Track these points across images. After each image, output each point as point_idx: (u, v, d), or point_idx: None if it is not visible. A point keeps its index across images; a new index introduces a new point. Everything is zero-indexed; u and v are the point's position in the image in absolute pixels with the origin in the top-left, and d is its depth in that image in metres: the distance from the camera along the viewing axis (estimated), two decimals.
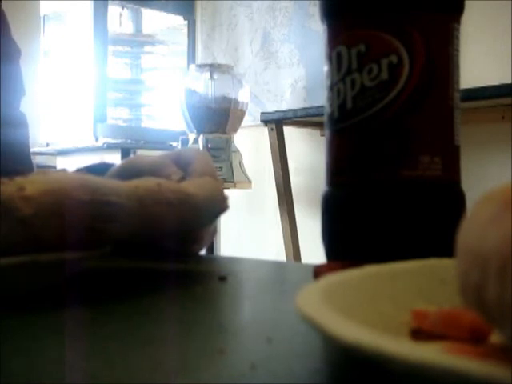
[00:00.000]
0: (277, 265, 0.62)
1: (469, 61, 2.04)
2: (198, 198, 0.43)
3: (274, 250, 2.83)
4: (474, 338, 0.22)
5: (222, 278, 0.43)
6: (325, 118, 0.43)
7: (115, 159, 2.63)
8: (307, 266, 0.46)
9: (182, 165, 0.52)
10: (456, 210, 0.41)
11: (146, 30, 3.42)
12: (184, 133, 2.74)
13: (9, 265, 0.33)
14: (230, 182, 2.56)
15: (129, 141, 2.98)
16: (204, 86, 2.67)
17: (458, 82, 0.42)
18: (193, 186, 0.44)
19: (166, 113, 3.31)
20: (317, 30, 2.69)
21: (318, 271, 0.39)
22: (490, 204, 0.20)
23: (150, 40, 3.39)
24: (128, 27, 3.36)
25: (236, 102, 2.67)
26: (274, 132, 2.48)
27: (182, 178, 0.49)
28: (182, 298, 0.41)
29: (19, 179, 0.36)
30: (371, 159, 0.41)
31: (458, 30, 0.42)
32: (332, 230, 0.43)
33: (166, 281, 0.47)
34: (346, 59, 0.41)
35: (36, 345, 0.27)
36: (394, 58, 0.40)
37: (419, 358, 0.16)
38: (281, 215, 2.54)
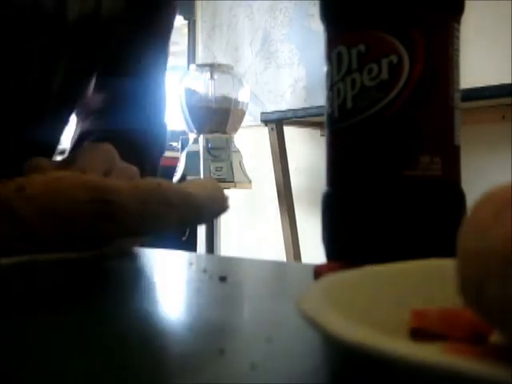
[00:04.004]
0: (277, 265, 0.62)
1: (469, 61, 2.04)
2: (198, 198, 0.43)
3: (274, 250, 2.83)
4: (474, 338, 0.22)
5: (222, 278, 0.43)
6: (325, 118, 0.43)
7: None
8: (307, 265, 0.46)
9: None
10: (456, 210, 0.41)
11: None
12: (184, 133, 2.74)
13: (9, 265, 0.33)
14: (230, 181, 2.56)
15: None
16: (204, 86, 2.67)
17: (458, 82, 0.42)
18: (193, 186, 0.44)
19: (167, 113, 3.30)
20: (317, 30, 2.70)
21: (318, 271, 0.39)
22: (490, 204, 0.20)
23: None
24: None
25: (236, 101, 2.67)
26: (274, 132, 2.48)
27: (182, 178, 0.49)
28: (181, 298, 0.41)
29: (19, 179, 0.36)
30: (371, 159, 0.41)
31: (458, 30, 0.42)
32: (332, 230, 0.43)
33: (165, 281, 0.47)
34: (346, 59, 0.41)
35: (36, 345, 0.27)
36: (394, 58, 0.40)
37: (419, 358, 0.16)
38: (281, 215, 2.54)
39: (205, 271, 0.47)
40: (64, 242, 0.36)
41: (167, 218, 0.40)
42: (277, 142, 2.49)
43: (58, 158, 0.76)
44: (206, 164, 2.55)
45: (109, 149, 0.55)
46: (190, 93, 2.66)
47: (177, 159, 2.65)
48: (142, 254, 0.59)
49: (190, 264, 0.55)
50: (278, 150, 2.49)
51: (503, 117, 2.17)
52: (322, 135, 2.66)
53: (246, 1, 3.08)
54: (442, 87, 0.41)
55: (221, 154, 2.58)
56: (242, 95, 2.70)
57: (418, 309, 0.25)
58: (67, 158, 0.55)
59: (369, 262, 0.28)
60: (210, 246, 2.76)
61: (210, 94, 2.65)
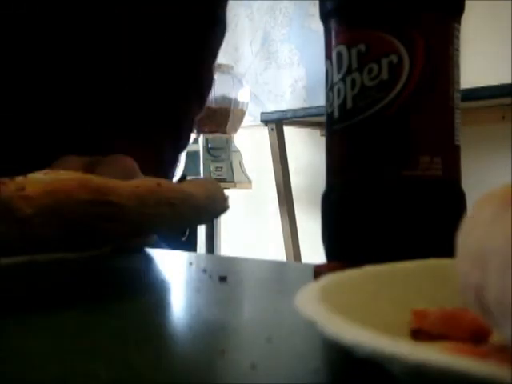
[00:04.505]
0: (277, 265, 0.62)
1: (469, 61, 2.04)
2: (198, 198, 0.43)
3: (274, 249, 2.83)
4: (474, 338, 0.22)
5: (222, 278, 0.43)
6: (325, 118, 0.43)
7: None
8: (307, 265, 0.46)
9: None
10: (456, 210, 0.41)
11: None
12: None
13: (9, 265, 0.33)
14: (230, 182, 2.56)
15: None
16: None
17: (458, 82, 0.42)
18: (193, 186, 0.44)
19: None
20: (317, 30, 2.69)
21: (318, 271, 0.39)
22: (490, 204, 0.20)
23: None
24: None
25: (236, 101, 2.67)
26: (274, 132, 2.48)
27: (182, 178, 0.49)
28: (181, 297, 0.41)
29: (19, 179, 0.36)
30: (371, 159, 0.41)
31: (458, 29, 0.42)
32: (332, 230, 0.43)
33: (165, 280, 0.47)
34: (346, 59, 0.41)
35: (36, 345, 0.27)
36: (394, 58, 0.40)
37: (419, 357, 0.16)
38: (281, 215, 2.54)
39: (205, 271, 0.47)
40: (64, 242, 0.36)
41: (167, 217, 0.40)
42: (277, 142, 2.49)
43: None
44: (206, 164, 2.55)
45: (130, 164, 0.57)
46: None
47: None
48: (142, 253, 0.59)
49: (190, 264, 0.55)
50: (277, 150, 2.49)
51: (503, 117, 2.17)
52: (322, 135, 2.66)
53: (246, 1, 3.08)
54: (442, 87, 0.41)
55: (221, 154, 2.58)
56: (242, 95, 2.69)
57: (418, 309, 0.25)
58: (90, 161, 0.57)
59: (369, 262, 0.28)
60: (210, 246, 2.76)
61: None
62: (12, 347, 0.26)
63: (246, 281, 0.47)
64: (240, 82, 2.72)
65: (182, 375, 0.22)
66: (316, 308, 0.21)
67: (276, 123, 2.48)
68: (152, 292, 0.41)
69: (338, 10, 0.43)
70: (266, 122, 2.51)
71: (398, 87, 0.40)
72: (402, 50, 0.40)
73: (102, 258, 0.40)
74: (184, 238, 2.70)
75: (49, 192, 0.35)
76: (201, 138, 2.59)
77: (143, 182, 0.40)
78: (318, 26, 0.43)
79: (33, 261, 0.34)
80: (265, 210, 2.99)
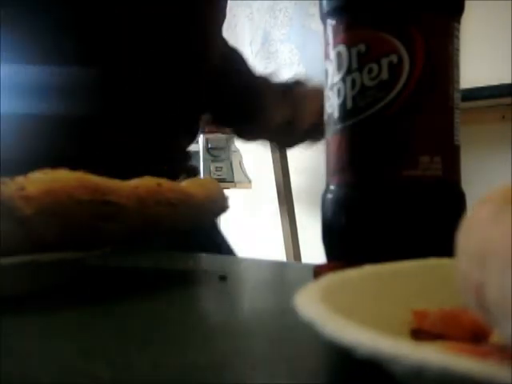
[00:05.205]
0: (277, 265, 0.62)
1: (469, 61, 2.03)
2: (198, 198, 0.43)
3: (274, 250, 2.83)
4: (474, 338, 0.22)
5: (222, 278, 0.43)
6: (325, 118, 0.43)
7: None
8: (307, 265, 0.46)
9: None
10: (456, 210, 0.41)
11: None
12: None
13: (9, 265, 0.33)
14: (230, 181, 2.56)
15: None
16: None
17: (458, 82, 0.42)
18: (193, 186, 0.44)
19: None
20: (317, 30, 2.70)
21: (317, 271, 0.39)
22: (490, 204, 0.20)
23: None
24: None
25: None
26: None
27: (183, 178, 0.49)
28: (182, 297, 0.41)
29: (19, 179, 0.36)
30: (371, 159, 0.41)
31: (458, 29, 0.42)
32: (332, 230, 0.43)
33: (165, 280, 0.47)
34: (346, 59, 0.41)
35: (36, 345, 0.27)
36: (394, 58, 0.40)
37: (419, 357, 0.16)
38: (281, 215, 2.54)
39: (205, 271, 0.47)
40: (64, 242, 0.36)
41: (167, 217, 0.40)
42: None
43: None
44: (206, 164, 2.55)
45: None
46: None
47: None
48: (141, 254, 0.59)
49: (190, 264, 0.55)
50: (277, 150, 2.49)
51: (503, 117, 2.17)
52: None
53: (245, 1, 3.08)
54: (442, 87, 0.41)
55: (220, 153, 2.58)
56: None
57: (419, 309, 0.25)
58: None
59: (369, 262, 0.28)
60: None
61: None
62: (12, 347, 0.26)
63: (246, 281, 0.47)
64: None
65: (182, 375, 0.22)
66: (316, 308, 0.21)
67: None
68: (152, 292, 0.41)
69: (338, 10, 0.42)
70: None
71: (398, 87, 0.40)
72: (402, 50, 0.40)
73: (102, 257, 0.40)
74: None
75: (49, 192, 0.35)
76: (201, 138, 2.59)
77: (143, 182, 0.40)
78: (318, 26, 0.43)
79: (33, 261, 0.34)
80: (265, 210, 2.99)
